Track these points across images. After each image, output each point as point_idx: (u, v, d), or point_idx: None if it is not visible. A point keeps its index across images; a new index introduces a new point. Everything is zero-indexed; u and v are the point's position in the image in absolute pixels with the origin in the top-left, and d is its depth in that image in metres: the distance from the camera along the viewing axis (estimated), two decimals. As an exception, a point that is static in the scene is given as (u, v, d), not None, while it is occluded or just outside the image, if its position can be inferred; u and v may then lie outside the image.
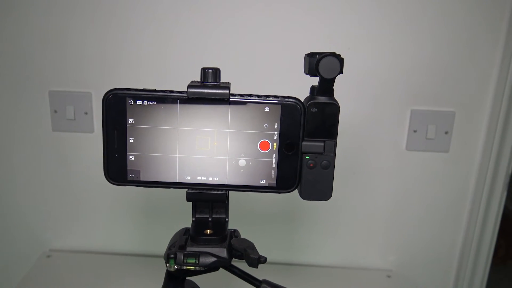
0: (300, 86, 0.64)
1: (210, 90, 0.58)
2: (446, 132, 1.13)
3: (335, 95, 1.11)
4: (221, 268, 0.66)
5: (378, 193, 1.20)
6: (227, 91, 0.58)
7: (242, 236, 0.68)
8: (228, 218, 0.68)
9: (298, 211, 1.22)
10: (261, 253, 0.60)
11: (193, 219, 0.67)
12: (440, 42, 1.08)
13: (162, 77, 1.12)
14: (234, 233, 0.67)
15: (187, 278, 0.68)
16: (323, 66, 0.58)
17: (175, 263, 0.61)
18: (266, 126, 0.60)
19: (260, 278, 0.68)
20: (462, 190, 1.19)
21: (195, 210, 0.67)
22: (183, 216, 0.75)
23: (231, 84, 0.62)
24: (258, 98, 0.59)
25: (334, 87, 1.09)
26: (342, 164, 1.15)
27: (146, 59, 1.11)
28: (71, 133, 1.17)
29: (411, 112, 1.12)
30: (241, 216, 0.98)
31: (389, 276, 1.22)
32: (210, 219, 0.67)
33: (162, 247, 0.66)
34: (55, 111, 1.16)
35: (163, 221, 1.14)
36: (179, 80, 0.68)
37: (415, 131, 1.13)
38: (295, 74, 0.75)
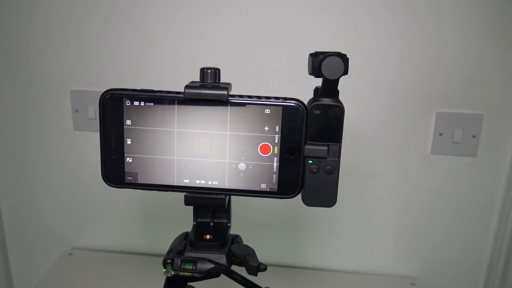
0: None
1: (207, 91, 0.56)
2: (474, 136, 1.08)
3: (356, 96, 1.08)
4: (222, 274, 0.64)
5: (401, 197, 1.15)
6: (225, 92, 0.56)
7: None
8: (230, 223, 0.66)
9: (314, 215, 1.18)
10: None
11: (194, 223, 0.66)
12: (468, 41, 1.03)
13: (183, 77, 1.10)
14: (236, 238, 0.65)
15: (188, 283, 0.66)
16: (326, 66, 0.55)
17: (172, 268, 0.60)
18: (266, 128, 0.58)
19: (271, 285, 0.66)
20: (490, 196, 1.13)
21: (196, 214, 0.66)
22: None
23: (235, 85, 0.60)
24: (258, 100, 0.57)
25: (357, 87, 1.07)
26: (364, 167, 1.12)
27: (167, 59, 1.10)
28: (92, 132, 1.17)
29: (436, 114, 1.08)
30: (248, 221, 0.96)
31: (413, 284, 1.17)
32: (212, 223, 0.66)
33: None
34: (77, 111, 1.16)
35: (183, 221, 1.13)
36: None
37: (440, 134, 1.09)
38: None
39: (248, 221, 1.11)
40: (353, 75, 1.05)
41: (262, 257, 1.15)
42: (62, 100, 1.16)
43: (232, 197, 0.65)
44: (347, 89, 1.06)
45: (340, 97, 1.06)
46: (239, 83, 0.66)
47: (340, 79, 1.06)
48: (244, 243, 0.65)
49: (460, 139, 1.08)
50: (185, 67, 1.09)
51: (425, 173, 1.13)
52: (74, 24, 1.10)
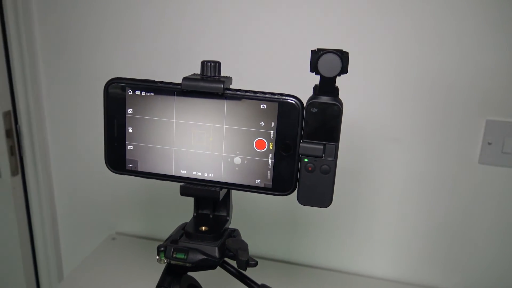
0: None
1: (204, 83, 0.57)
2: (526, 147, 1.01)
3: (401, 98, 1.04)
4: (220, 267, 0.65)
5: (443, 206, 1.10)
6: (221, 85, 0.56)
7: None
8: (229, 217, 0.66)
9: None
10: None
11: (194, 214, 0.66)
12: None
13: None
14: (233, 232, 0.65)
15: (188, 273, 0.67)
16: (322, 63, 0.53)
17: (165, 256, 0.61)
18: (262, 124, 0.57)
19: (271, 280, 0.65)
20: (541, 212, 1.06)
21: (197, 206, 0.66)
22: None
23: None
24: (254, 94, 0.57)
25: (404, 90, 1.03)
26: (405, 172, 1.08)
27: (211, 52, 1.11)
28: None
29: (486, 122, 1.02)
30: (252, 216, 0.93)
31: (454, 299, 1.12)
32: (211, 216, 0.66)
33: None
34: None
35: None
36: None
37: (489, 144, 1.03)
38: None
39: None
40: (398, 77, 1.03)
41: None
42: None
43: (235, 192, 0.65)
44: (394, 92, 1.04)
45: (384, 99, 1.04)
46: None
47: (386, 81, 1.03)
48: (245, 238, 0.65)
49: (511, 150, 1.02)
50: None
51: (471, 183, 1.07)
52: (123, 18, 1.15)
